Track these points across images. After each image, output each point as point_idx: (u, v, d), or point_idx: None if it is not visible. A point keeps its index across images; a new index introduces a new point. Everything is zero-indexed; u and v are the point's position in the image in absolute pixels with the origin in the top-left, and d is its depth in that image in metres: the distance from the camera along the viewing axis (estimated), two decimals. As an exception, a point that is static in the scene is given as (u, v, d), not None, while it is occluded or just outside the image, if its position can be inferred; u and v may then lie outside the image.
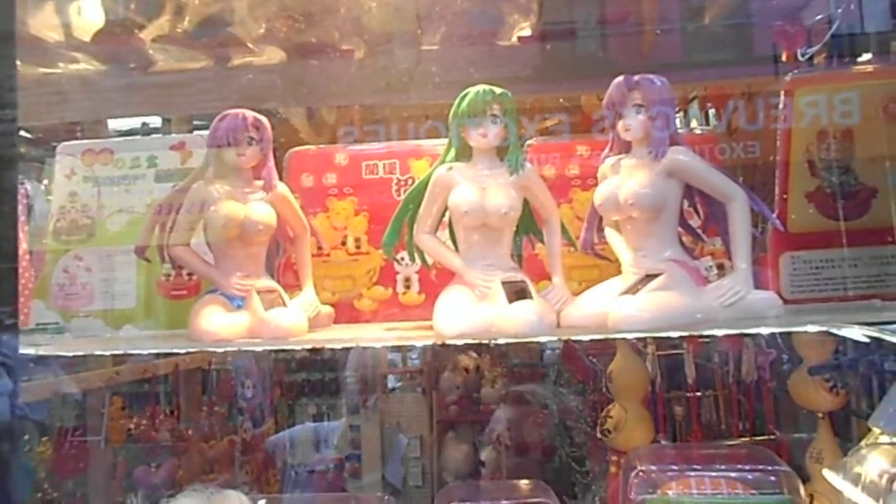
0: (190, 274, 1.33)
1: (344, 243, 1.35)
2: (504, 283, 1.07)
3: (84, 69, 1.58)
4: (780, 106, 1.26)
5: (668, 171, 1.06)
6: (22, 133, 1.42)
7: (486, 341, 1.02)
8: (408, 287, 1.33)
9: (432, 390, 2.94)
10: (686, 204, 1.15)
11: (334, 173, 1.36)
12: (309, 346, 1.04)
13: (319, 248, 1.31)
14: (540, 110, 1.68)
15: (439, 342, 1.04)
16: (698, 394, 1.87)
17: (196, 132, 1.52)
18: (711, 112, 1.77)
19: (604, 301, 1.04)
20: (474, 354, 2.89)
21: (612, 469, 1.62)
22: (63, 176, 1.38)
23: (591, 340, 2.29)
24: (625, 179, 1.08)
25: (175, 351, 1.08)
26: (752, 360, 1.70)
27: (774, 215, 1.21)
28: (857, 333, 0.96)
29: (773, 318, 1.02)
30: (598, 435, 1.66)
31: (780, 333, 1.54)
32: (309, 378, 3.09)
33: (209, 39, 1.52)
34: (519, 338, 1.00)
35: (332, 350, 2.94)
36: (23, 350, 1.02)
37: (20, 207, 1.40)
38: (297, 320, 1.10)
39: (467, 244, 1.13)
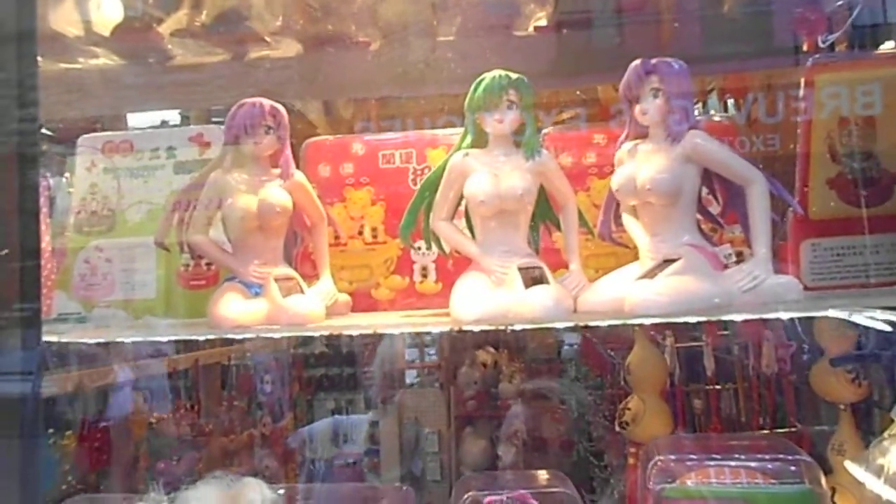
0: (209, 264, 1.34)
1: (361, 233, 1.35)
2: (521, 269, 1.07)
3: (104, 64, 1.59)
4: (801, 92, 1.24)
5: (685, 156, 1.05)
6: (43, 130, 1.44)
7: (502, 327, 1.02)
8: (425, 276, 1.33)
9: (450, 385, 2.94)
10: (705, 191, 1.15)
11: (351, 163, 1.37)
12: (326, 333, 1.04)
13: (337, 237, 1.32)
14: (556, 102, 1.68)
15: (456, 328, 1.04)
16: (717, 387, 1.86)
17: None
18: (730, 102, 1.76)
19: (621, 286, 1.03)
20: (492, 350, 2.88)
21: (631, 461, 1.61)
22: (84, 168, 1.40)
23: (610, 329, 2.29)
24: (642, 164, 1.07)
25: (194, 338, 1.08)
26: (772, 352, 1.69)
27: (790, 209, 1.20)
28: (879, 318, 0.94)
29: (793, 303, 1.00)
30: (617, 427, 1.65)
31: (802, 324, 1.53)
32: (327, 373, 3.10)
33: (226, 33, 1.53)
34: (535, 323, 1.00)
35: (351, 345, 2.96)
36: (46, 338, 1.03)
37: (42, 200, 1.42)
38: (314, 307, 1.10)
39: (484, 231, 1.13)
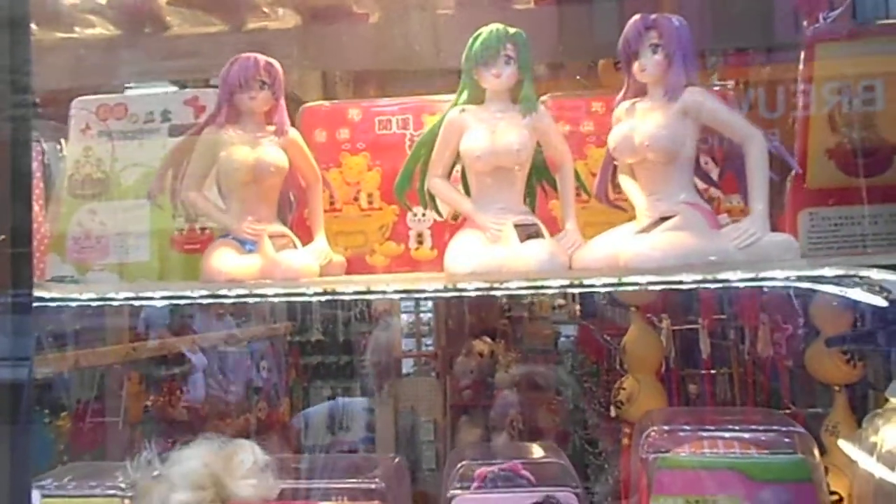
0: (203, 228, 1.33)
1: (357, 199, 1.34)
2: (516, 226, 1.06)
3: (100, 34, 1.59)
4: (801, 61, 1.23)
5: (683, 112, 1.04)
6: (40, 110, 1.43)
7: (497, 284, 1.01)
8: (420, 243, 1.32)
9: (446, 375, 2.94)
10: (704, 161, 1.14)
11: (347, 128, 1.35)
12: (320, 291, 1.04)
13: (332, 202, 1.31)
14: (556, 76, 1.68)
15: (451, 284, 1.03)
16: (713, 371, 1.86)
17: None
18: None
19: (616, 242, 1.03)
20: (489, 339, 2.88)
21: (625, 441, 1.61)
22: (78, 130, 1.38)
23: (606, 313, 2.28)
24: (640, 122, 1.06)
25: (186, 295, 1.07)
26: (767, 335, 1.68)
27: (792, 173, 1.19)
28: (875, 279, 0.93)
29: (789, 262, 1.00)
30: (612, 408, 1.65)
31: (798, 304, 1.53)
32: (324, 361, 3.10)
33: (224, 2, 1.53)
34: (530, 278, 0.99)
35: (348, 333, 2.96)
36: (36, 293, 1.02)
37: (35, 164, 1.41)
38: (308, 262, 1.10)
39: (479, 188, 1.12)
